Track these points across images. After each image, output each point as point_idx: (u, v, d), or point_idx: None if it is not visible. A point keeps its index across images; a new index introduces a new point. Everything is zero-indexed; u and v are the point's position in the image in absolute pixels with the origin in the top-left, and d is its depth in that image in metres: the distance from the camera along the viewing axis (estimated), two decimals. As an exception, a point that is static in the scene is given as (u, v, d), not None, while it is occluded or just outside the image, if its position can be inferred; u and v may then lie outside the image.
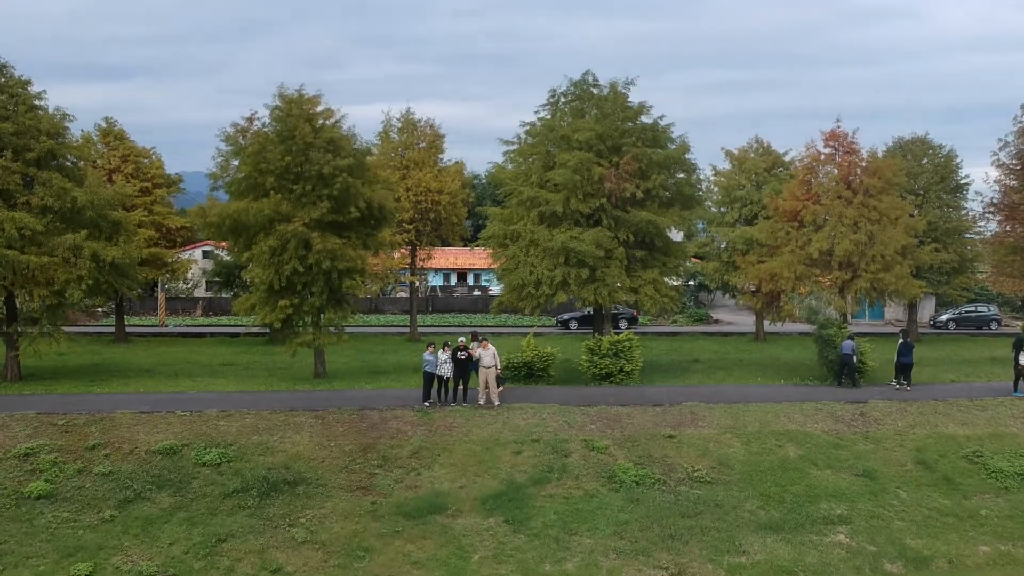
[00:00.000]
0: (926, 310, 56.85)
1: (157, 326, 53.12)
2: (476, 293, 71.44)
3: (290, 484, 20.57)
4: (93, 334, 46.28)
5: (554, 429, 23.41)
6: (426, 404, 24.66)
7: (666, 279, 31.21)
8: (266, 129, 28.66)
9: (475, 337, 26.04)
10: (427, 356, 24.99)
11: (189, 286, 64.19)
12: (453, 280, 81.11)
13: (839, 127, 32.57)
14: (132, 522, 19.03)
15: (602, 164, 28.91)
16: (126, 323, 43.90)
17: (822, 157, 32.85)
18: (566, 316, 54.03)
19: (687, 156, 30.46)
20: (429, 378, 24.92)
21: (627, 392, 27.27)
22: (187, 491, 20.21)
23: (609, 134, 29.25)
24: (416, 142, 43.45)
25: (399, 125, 43.91)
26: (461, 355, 24.91)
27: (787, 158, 45.35)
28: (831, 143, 32.63)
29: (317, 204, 27.59)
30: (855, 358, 28.38)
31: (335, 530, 19.16)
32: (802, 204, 31.91)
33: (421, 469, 21.47)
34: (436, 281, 78.97)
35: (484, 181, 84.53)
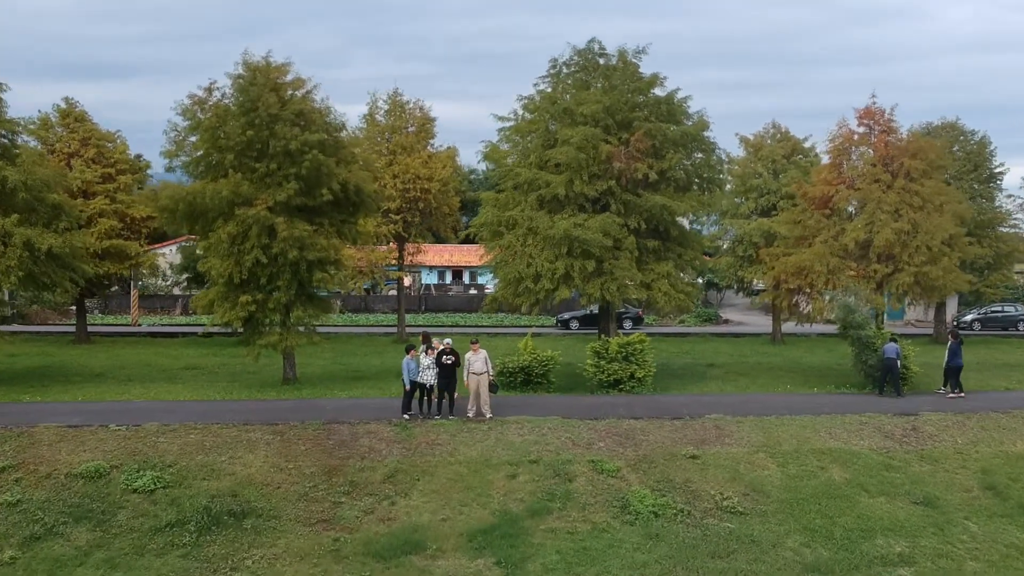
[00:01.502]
0: (948, 310, 53.18)
1: (129, 325, 49.68)
2: (472, 292, 67.87)
3: (236, 516, 16.98)
4: (55, 334, 42.85)
5: (556, 447, 19.83)
6: (405, 417, 21.05)
7: (682, 274, 27.58)
8: (227, 101, 25.08)
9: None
10: (407, 361, 21.41)
11: (168, 283, 60.56)
12: (448, 278, 77.72)
13: (874, 103, 29.03)
14: (38, 564, 15.44)
15: (610, 141, 25.36)
16: (99, 322, 40.50)
17: (855, 137, 29.28)
18: (567, 315, 50.48)
19: (706, 134, 26.86)
20: (410, 386, 21.34)
21: (640, 402, 23.70)
22: (111, 525, 16.60)
23: (618, 107, 25.71)
24: (404, 126, 39.88)
25: (386, 107, 40.36)
26: (447, 359, 21.29)
27: (807, 144, 41.81)
28: (865, 121, 29.07)
29: (283, 185, 24.06)
30: (899, 363, 24.81)
31: (287, 575, 15.57)
32: (834, 189, 28.33)
33: (396, 497, 17.87)
34: (430, 279, 75.63)
35: (482, 176, 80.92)
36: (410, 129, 39.94)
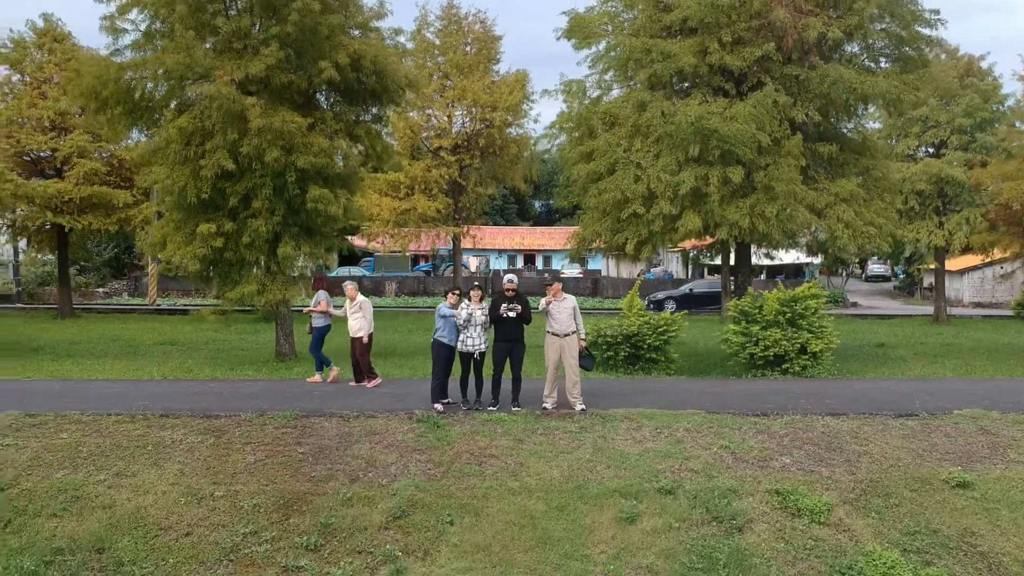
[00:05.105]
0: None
1: (147, 305, 42.46)
2: (546, 276, 59.33)
3: (88, 595, 8.57)
4: (50, 310, 35.68)
5: (704, 464, 10.89)
6: (438, 407, 12.35)
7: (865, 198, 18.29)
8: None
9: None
10: (444, 310, 12.79)
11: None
12: (520, 263, 69.62)
13: None
14: None
15: (763, -14, 16.33)
16: (119, 303, 34.57)
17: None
18: (661, 295, 41.41)
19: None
20: (446, 356, 12.69)
21: (827, 389, 14.60)
22: None
23: (775, -66, 16.67)
24: (461, 44, 31.37)
25: (439, 25, 31.91)
26: (508, 310, 12.36)
27: (984, 64, 32.02)
28: None
29: (259, 52, 15.66)
30: None
31: None
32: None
33: (406, 558, 9.21)
34: (500, 264, 67.75)
35: (555, 155, 72.20)
36: (469, 49, 31.43)
